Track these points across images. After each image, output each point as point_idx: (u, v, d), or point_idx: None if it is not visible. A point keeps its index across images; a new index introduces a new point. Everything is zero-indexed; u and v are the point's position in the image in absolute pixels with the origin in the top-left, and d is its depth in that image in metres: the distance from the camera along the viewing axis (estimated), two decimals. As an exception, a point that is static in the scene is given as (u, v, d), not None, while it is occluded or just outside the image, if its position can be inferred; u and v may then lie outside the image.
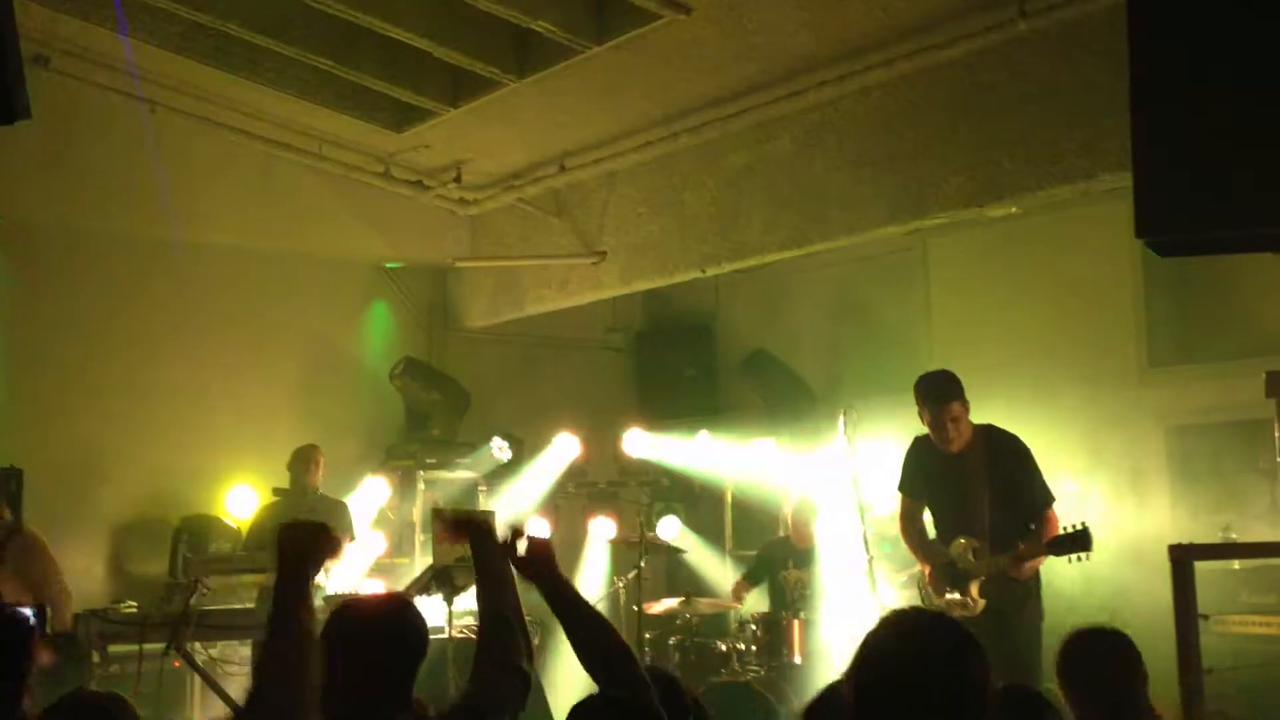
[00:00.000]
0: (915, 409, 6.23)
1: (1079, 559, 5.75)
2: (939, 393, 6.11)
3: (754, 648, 7.72)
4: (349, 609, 3.20)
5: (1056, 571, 6.26)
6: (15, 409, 8.24)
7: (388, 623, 3.13)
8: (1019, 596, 5.95)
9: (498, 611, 3.31)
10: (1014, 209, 7.68)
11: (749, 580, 8.44)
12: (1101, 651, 3.75)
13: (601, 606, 9.29)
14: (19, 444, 7.84)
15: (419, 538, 9.20)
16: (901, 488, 6.43)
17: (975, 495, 6.01)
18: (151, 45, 7.68)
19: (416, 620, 3.16)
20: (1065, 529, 5.81)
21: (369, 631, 3.09)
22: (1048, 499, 6.09)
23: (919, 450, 6.35)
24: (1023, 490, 6.05)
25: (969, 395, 6.17)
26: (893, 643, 2.43)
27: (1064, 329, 8.47)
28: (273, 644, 2.80)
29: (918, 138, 7.26)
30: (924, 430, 6.27)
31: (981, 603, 5.93)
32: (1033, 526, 6.05)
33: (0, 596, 6.40)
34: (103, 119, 8.23)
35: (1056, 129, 6.60)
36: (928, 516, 6.45)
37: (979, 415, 6.26)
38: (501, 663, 3.19)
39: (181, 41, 7.76)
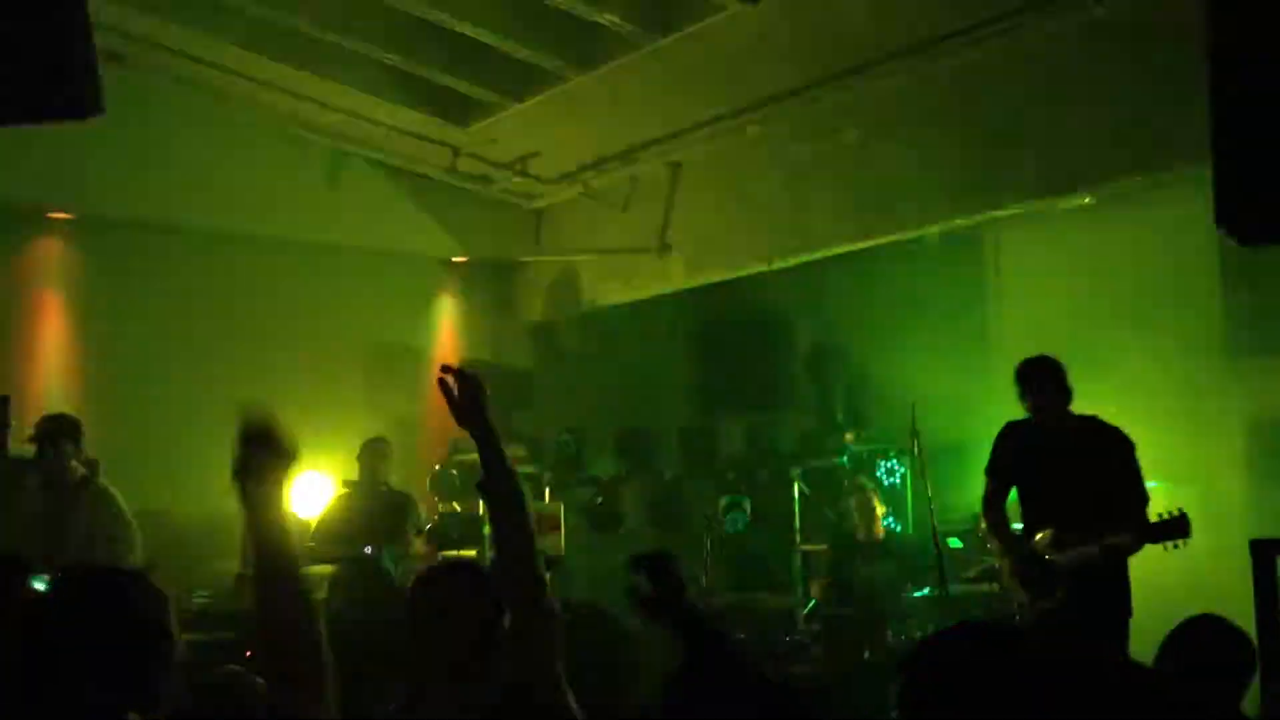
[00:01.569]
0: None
1: (1175, 546, 5.57)
2: (1022, 378, 6.00)
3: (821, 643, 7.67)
4: None
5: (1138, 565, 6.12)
6: (90, 402, 8.38)
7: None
8: (1107, 595, 5.73)
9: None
10: (1087, 199, 7.54)
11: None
12: (1216, 645, 3.61)
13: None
14: (94, 436, 7.94)
15: (485, 530, 9.23)
16: (990, 470, 6.18)
17: (1073, 482, 5.81)
18: (222, 41, 7.78)
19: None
20: (1160, 515, 5.61)
21: None
22: (1144, 499, 5.84)
23: (1012, 433, 6.12)
24: (1130, 485, 5.82)
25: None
26: None
27: (1139, 321, 8.28)
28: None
29: (987, 127, 7.16)
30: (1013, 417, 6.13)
31: (1062, 591, 5.68)
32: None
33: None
34: (175, 114, 8.35)
35: (1131, 117, 6.47)
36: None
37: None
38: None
39: (251, 37, 7.86)
